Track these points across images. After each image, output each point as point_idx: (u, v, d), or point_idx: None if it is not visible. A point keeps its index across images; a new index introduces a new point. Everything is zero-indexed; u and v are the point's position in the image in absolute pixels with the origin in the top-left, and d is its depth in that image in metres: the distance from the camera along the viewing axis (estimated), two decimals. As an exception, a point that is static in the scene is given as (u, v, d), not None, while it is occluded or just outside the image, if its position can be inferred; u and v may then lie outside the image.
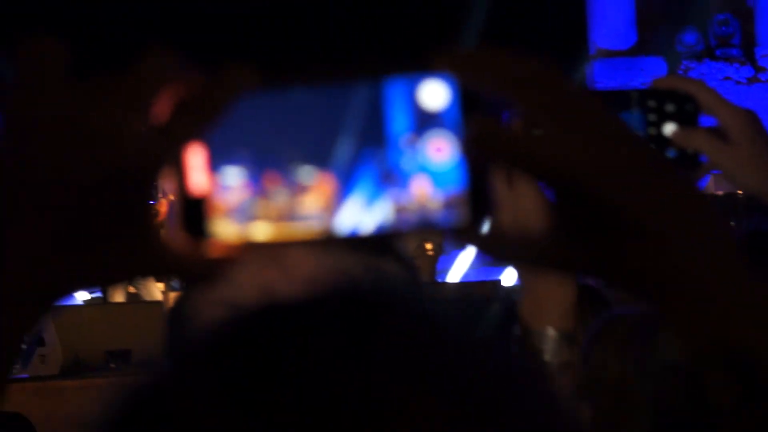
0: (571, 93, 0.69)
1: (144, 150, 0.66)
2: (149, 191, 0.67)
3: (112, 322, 6.81)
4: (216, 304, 1.06)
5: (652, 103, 1.11)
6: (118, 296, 9.74)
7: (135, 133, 0.66)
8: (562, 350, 1.51)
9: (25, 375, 6.31)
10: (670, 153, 1.05)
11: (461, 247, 0.84)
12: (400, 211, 0.70)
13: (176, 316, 1.15)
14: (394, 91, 0.70)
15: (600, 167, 0.68)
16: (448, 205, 0.70)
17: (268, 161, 0.69)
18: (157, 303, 8.93)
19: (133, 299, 9.79)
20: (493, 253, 0.73)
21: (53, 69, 0.67)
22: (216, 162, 0.69)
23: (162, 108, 0.67)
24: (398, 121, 0.70)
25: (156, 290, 9.62)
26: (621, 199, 0.68)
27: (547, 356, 1.51)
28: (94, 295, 10.57)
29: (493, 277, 9.25)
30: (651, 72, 19.54)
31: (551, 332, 1.51)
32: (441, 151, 0.70)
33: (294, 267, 1.05)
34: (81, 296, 10.85)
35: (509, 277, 10.03)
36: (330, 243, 0.71)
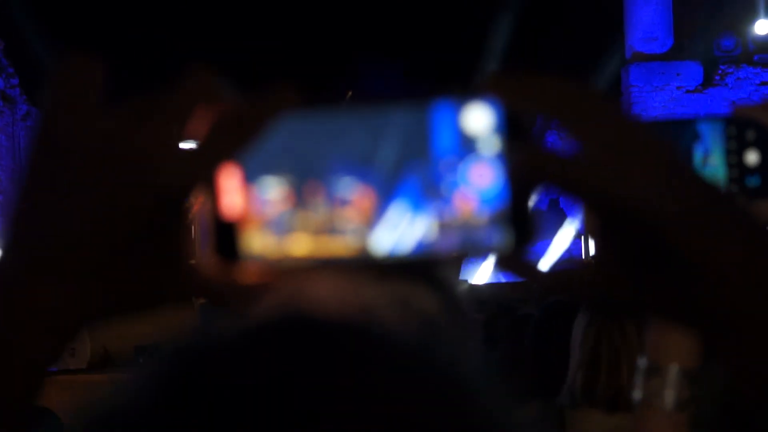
0: (623, 121, 0.67)
1: (180, 171, 0.65)
2: (183, 213, 0.66)
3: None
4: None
5: (732, 131, 1.09)
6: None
7: (171, 153, 0.65)
8: (684, 388, 1.51)
9: (53, 368, 6.35)
10: (752, 181, 1.03)
11: (504, 272, 0.81)
12: (442, 227, 0.68)
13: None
14: (439, 112, 0.68)
15: (655, 198, 0.66)
16: (493, 222, 0.68)
17: (309, 172, 0.68)
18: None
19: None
20: (540, 285, 0.71)
21: (90, 88, 0.66)
22: (255, 172, 0.67)
23: (199, 128, 0.65)
24: (443, 138, 0.68)
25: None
26: (678, 233, 0.66)
27: (669, 392, 1.51)
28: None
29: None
30: (687, 76, 19.45)
31: (675, 369, 1.50)
32: (483, 176, 0.68)
33: (314, 298, 1.02)
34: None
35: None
36: (358, 268, 0.69)
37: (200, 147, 0.65)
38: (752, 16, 19.12)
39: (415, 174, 0.68)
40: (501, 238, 0.68)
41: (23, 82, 20.14)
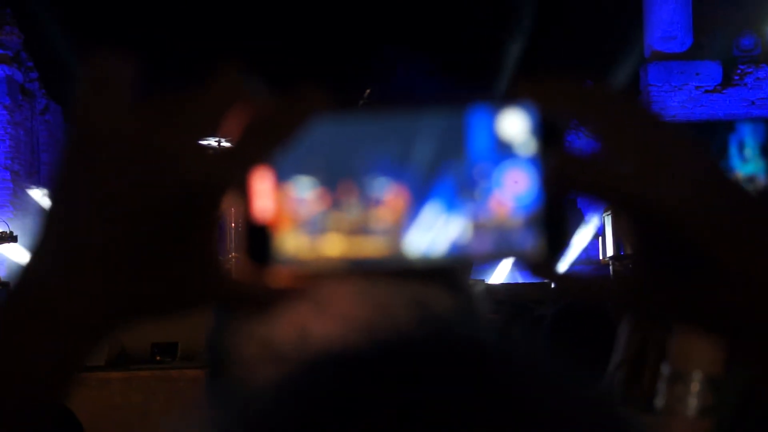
0: (659, 127, 0.66)
1: (211, 172, 0.64)
2: (215, 215, 0.65)
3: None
4: (252, 340, 1.02)
5: None
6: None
7: (203, 154, 0.64)
8: (707, 394, 1.50)
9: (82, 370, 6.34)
10: None
11: (537, 277, 0.80)
12: (476, 229, 0.67)
13: (214, 345, 1.10)
14: (475, 116, 0.68)
15: (689, 206, 0.65)
16: (527, 226, 0.67)
17: (343, 172, 0.67)
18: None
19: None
20: (571, 292, 0.70)
21: (121, 85, 0.65)
22: (288, 172, 0.67)
23: (232, 129, 0.65)
24: (478, 141, 0.68)
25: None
26: (710, 241, 0.66)
27: (692, 399, 1.51)
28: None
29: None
30: (706, 76, 19.38)
31: (698, 376, 1.50)
32: (519, 180, 0.67)
33: (329, 303, 1.01)
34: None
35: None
36: (389, 270, 0.68)
37: (233, 148, 0.65)
38: (772, 16, 19.04)
39: (450, 176, 0.67)
40: (535, 242, 0.67)
41: (42, 76, 20.19)
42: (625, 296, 0.69)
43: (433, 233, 0.67)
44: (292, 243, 0.67)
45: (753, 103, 19.30)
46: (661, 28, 19.40)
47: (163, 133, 0.64)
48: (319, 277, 0.67)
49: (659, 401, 1.57)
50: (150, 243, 0.64)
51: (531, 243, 0.67)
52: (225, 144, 0.66)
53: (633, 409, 2.37)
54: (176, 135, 0.64)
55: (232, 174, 0.65)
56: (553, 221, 0.67)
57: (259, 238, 0.67)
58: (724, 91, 19.45)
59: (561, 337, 2.99)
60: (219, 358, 1.08)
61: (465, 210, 0.67)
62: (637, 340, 2.39)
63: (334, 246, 0.67)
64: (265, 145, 0.65)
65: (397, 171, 0.67)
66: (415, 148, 0.67)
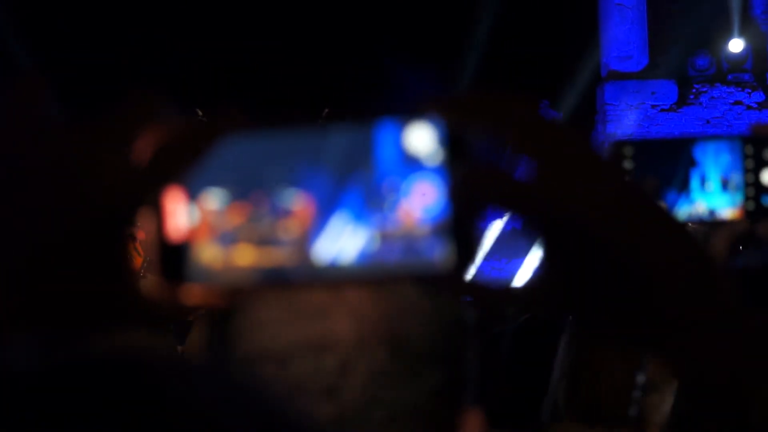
0: (562, 135, 0.68)
1: (124, 192, 0.65)
2: (128, 234, 0.66)
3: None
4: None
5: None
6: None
7: (116, 174, 0.65)
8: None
9: None
10: None
11: (445, 292, 0.81)
12: (385, 237, 0.69)
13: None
14: (383, 129, 0.70)
15: (594, 209, 0.67)
16: (435, 237, 0.69)
17: (254, 184, 0.69)
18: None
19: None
20: (482, 301, 0.72)
21: (37, 107, 0.66)
22: (201, 185, 0.68)
23: (145, 149, 0.66)
24: (386, 154, 0.69)
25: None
26: (616, 241, 0.68)
27: (667, 408, 1.51)
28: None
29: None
30: (662, 95, 19.55)
31: (673, 386, 1.50)
32: (426, 194, 0.69)
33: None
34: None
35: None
36: (300, 279, 0.69)
37: (146, 168, 0.66)
38: (726, 35, 19.25)
39: (358, 187, 0.69)
40: (442, 252, 0.69)
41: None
42: (535, 302, 0.71)
43: (341, 243, 0.69)
44: (204, 257, 0.68)
45: (708, 122, 19.49)
46: (617, 47, 19.56)
47: (75, 154, 0.65)
48: (231, 290, 0.69)
49: (633, 410, 1.58)
50: (63, 259, 0.65)
51: (439, 253, 0.69)
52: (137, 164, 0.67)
53: (577, 422, 2.39)
54: (89, 155, 0.65)
55: (145, 194, 0.66)
56: (461, 232, 0.69)
57: (171, 256, 0.68)
58: (679, 110, 19.62)
59: (520, 354, 3.01)
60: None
61: (373, 220, 0.69)
62: (574, 353, 2.41)
63: (245, 257, 0.68)
64: (177, 165, 0.66)
65: (306, 182, 0.69)
66: (325, 160, 0.69)
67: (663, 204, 0.70)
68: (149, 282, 0.68)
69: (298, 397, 0.99)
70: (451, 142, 0.69)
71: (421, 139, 0.70)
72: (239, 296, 0.70)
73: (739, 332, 0.71)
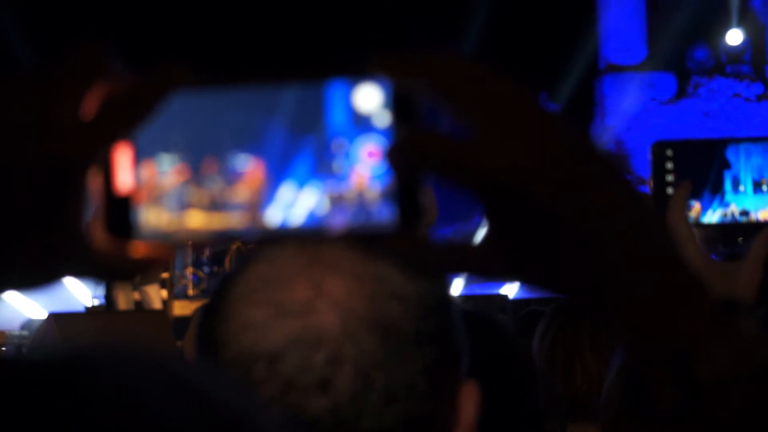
0: (508, 95, 0.68)
1: (72, 147, 0.65)
2: (77, 189, 0.66)
3: (116, 330, 6.80)
4: (266, 304, 1.03)
5: None
6: (122, 304, 9.74)
7: (63, 129, 0.65)
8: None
9: None
10: None
11: (391, 253, 0.81)
12: (333, 201, 0.69)
13: (212, 312, 1.09)
14: (332, 90, 0.69)
15: (534, 171, 0.67)
16: (383, 199, 0.69)
17: (203, 147, 0.69)
18: (162, 311, 8.93)
19: (138, 307, 9.79)
20: (424, 262, 0.72)
21: None
22: (150, 148, 0.68)
23: (92, 105, 0.66)
24: (336, 115, 0.69)
25: (156, 298, 9.63)
26: (558, 204, 0.67)
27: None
28: (97, 303, 10.59)
29: (495, 290, 9.23)
30: (660, 87, 19.55)
31: None
32: (375, 156, 0.69)
33: (337, 263, 1.05)
34: (85, 303, 10.89)
35: (511, 289, 10.02)
36: (250, 241, 0.70)
37: (93, 124, 0.66)
38: (725, 27, 19.24)
39: (307, 150, 0.69)
40: (392, 214, 0.69)
41: None
42: (484, 263, 0.71)
43: (292, 206, 0.69)
44: (152, 217, 0.68)
45: (706, 114, 19.48)
46: (616, 39, 19.55)
47: (22, 110, 0.65)
48: (179, 247, 0.69)
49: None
50: (11, 212, 0.65)
51: (388, 215, 0.69)
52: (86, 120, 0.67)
53: (563, 415, 2.39)
54: (36, 111, 0.65)
55: (93, 149, 0.66)
56: (406, 194, 0.69)
57: (119, 211, 0.68)
58: (677, 103, 19.62)
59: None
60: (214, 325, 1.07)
61: (323, 183, 0.69)
62: (546, 347, 2.41)
63: (194, 220, 0.68)
64: (125, 120, 0.66)
65: (256, 146, 0.69)
66: (274, 122, 0.69)
67: (606, 157, 0.69)
68: (97, 237, 0.68)
69: (290, 393, 1.00)
70: (398, 103, 0.69)
71: (370, 99, 0.70)
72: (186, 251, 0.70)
73: (690, 288, 0.71)
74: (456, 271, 0.73)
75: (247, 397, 0.58)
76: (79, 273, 0.69)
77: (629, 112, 19.22)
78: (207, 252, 10.93)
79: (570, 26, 19.14)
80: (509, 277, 0.72)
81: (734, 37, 19.27)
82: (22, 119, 0.65)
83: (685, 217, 1.56)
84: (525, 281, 0.71)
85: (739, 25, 19.24)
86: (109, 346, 0.58)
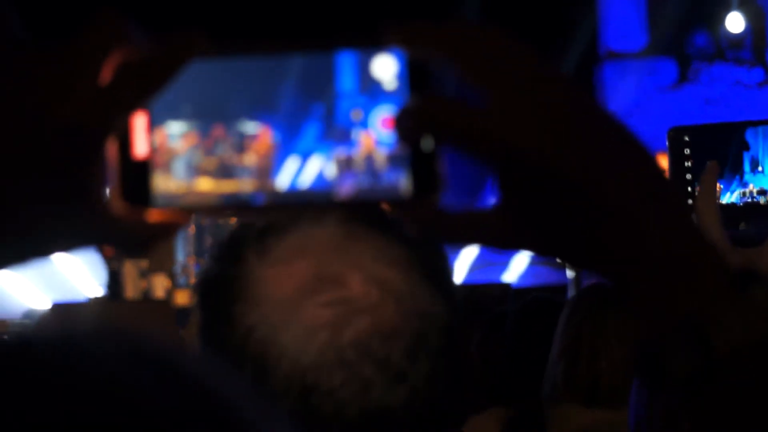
0: (527, 62, 0.68)
1: (90, 115, 0.66)
2: (94, 157, 0.67)
3: (118, 320, 6.81)
4: (330, 304, 1.05)
5: None
6: (131, 291, 9.72)
7: (82, 98, 0.66)
8: None
9: None
10: None
11: (402, 220, 0.80)
12: (344, 166, 0.70)
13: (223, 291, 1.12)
14: (344, 58, 0.70)
15: (553, 140, 0.67)
16: (396, 165, 0.69)
17: (215, 114, 0.70)
18: (165, 301, 8.93)
19: (145, 296, 9.77)
20: (438, 233, 0.72)
21: (1, 29, 0.67)
22: (162, 116, 0.69)
23: (109, 73, 0.67)
24: (347, 82, 0.70)
25: (160, 287, 9.61)
26: (576, 175, 0.67)
27: None
28: (102, 293, 10.59)
29: (497, 278, 9.22)
30: (661, 73, 19.51)
31: None
32: (386, 122, 0.70)
33: (357, 258, 1.06)
34: (89, 293, 10.88)
35: (512, 276, 10.01)
36: (262, 207, 0.70)
37: (110, 92, 0.67)
38: (725, 13, 19.19)
39: (318, 117, 0.70)
40: (403, 182, 0.70)
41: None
42: (499, 233, 0.71)
43: (300, 171, 0.70)
44: (166, 183, 0.69)
45: (707, 101, 19.44)
46: (616, 26, 19.51)
47: (42, 79, 0.66)
48: (193, 213, 0.70)
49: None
50: (29, 179, 0.66)
51: (399, 183, 0.69)
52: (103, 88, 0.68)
53: (575, 403, 2.38)
54: (53, 80, 0.66)
55: (111, 118, 0.67)
56: (424, 161, 0.69)
57: (134, 179, 0.69)
58: (678, 89, 19.58)
59: (523, 335, 3.00)
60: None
61: (333, 150, 0.70)
62: (572, 331, 2.40)
63: (204, 186, 0.69)
64: (143, 88, 0.67)
65: (266, 113, 0.69)
66: (284, 89, 0.69)
67: (625, 128, 0.69)
68: (114, 204, 0.69)
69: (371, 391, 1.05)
70: (412, 72, 0.70)
71: (383, 68, 0.70)
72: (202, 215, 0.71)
73: (705, 256, 0.71)
74: (470, 242, 0.73)
75: (248, 390, 0.57)
76: (97, 241, 0.70)
77: (630, 99, 19.19)
78: (209, 240, 10.92)
79: (569, 13, 19.10)
80: (524, 248, 0.72)
81: (735, 22, 19.22)
82: (41, 88, 0.66)
83: (715, 202, 1.55)
84: (540, 252, 0.71)
85: (740, 10, 19.19)
86: (102, 332, 0.57)
